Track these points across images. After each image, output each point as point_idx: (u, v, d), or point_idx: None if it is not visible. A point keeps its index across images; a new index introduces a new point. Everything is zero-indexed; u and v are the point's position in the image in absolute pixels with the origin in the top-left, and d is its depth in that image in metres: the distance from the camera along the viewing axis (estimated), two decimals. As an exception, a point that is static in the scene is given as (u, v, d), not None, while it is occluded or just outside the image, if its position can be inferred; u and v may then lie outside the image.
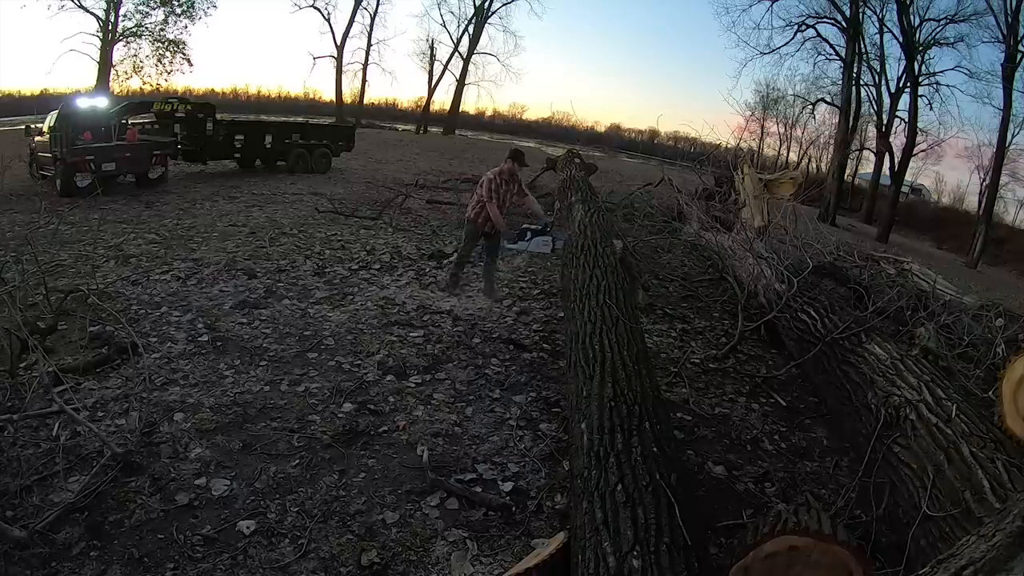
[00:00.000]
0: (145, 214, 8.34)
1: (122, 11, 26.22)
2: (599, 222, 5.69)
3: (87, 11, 25.22)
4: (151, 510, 2.55)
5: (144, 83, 27.52)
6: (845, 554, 1.81)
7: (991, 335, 4.96)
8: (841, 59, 24.59)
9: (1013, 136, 20.89)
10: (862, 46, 23.82)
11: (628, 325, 3.55)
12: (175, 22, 27.79)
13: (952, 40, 21.60)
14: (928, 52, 22.28)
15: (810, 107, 29.57)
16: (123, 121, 10.74)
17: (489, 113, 44.52)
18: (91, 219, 7.66)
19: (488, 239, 5.63)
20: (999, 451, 2.52)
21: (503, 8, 35.27)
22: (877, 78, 24.09)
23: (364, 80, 35.70)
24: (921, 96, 22.60)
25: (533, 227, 5.84)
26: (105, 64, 26.03)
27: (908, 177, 25.59)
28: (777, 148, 36.51)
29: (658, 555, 1.86)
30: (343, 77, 34.41)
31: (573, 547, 2.15)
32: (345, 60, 34.08)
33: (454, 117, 37.06)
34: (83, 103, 10.49)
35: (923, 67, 22.51)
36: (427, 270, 6.41)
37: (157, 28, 27.35)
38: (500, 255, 5.86)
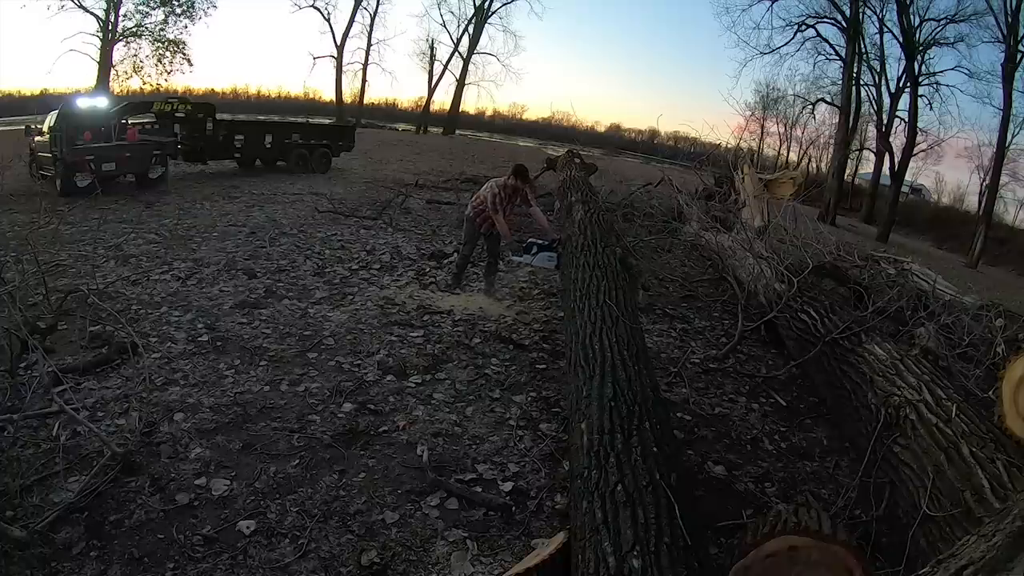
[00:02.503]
0: (145, 214, 8.34)
1: (122, 11, 26.19)
2: (599, 222, 5.69)
3: (87, 11, 25.19)
4: (151, 510, 2.55)
5: (144, 83, 27.51)
6: (845, 554, 1.81)
7: (991, 335, 4.95)
8: (841, 59, 24.60)
9: (1013, 136, 20.91)
10: (862, 46, 23.84)
11: (628, 325, 3.55)
12: (175, 22, 27.74)
13: (952, 40, 21.61)
14: (928, 52, 22.28)
15: (810, 107, 29.63)
16: (123, 121, 10.72)
17: (489, 113, 44.47)
18: (91, 219, 7.65)
19: (489, 240, 5.64)
20: (999, 451, 2.52)
21: (503, 8, 35.30)
22: (877, 78, 24.13)
23: (364, 80, 35.71)
24: (921, 96, 22.62)
25: (540, 242, 5.88)
26: (105, 64, 25.99)
27: (908, 177, 25.60)
28: (777, 148, 36.53)
29: (658, 555, 1.86)
30: (343, 77, 34.41)
31: (573, 547, 2.15)
32: (345, 60, 34.07)
33: (454, 117, 37.04)
34: (83, 103, 10.47)
35: (923, 67, 22.52)
36: (427, 270, 6.41)
37: (157, 28, 27.31)
38: (501, 256, 5.86)
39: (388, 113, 41.31)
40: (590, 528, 2.05)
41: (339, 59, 33.80)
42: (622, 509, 2.05)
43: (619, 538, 1.94)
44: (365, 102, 36.92)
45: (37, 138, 10.07)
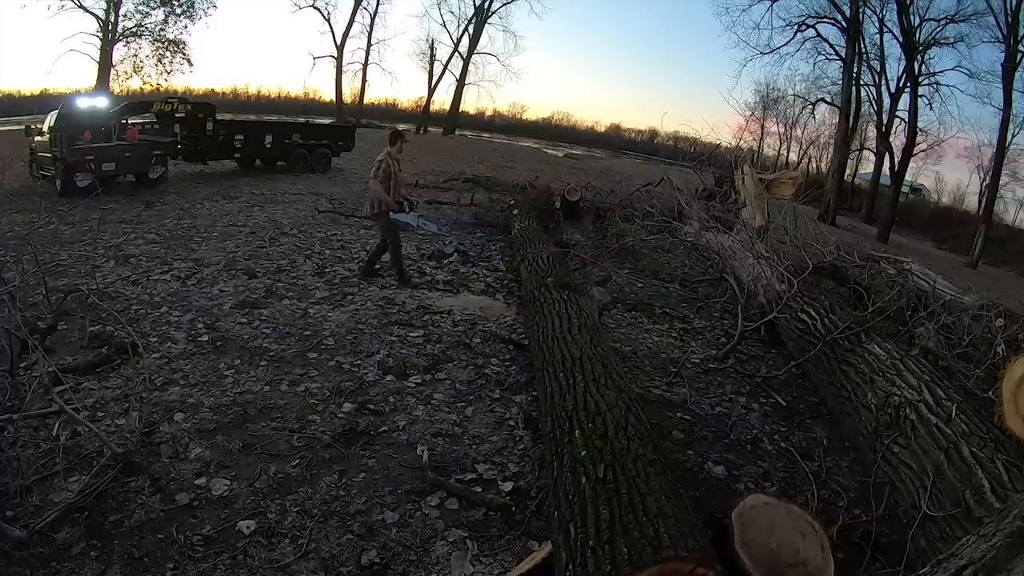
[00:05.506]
0: (145, 214, 8.34)
1: (122, 11, 26.18)
2: (535, 271, 5.50)
3: (87, 11, 25.19)
4: (151, 510, 2.55)
5: (144, 83, 27.52)
6: (802, 513, 2.07)
7: (991, 335, 4.94)
8: (841, 59, 24.55)
9: (1013, 136, 20.87)
10: (862, 46, 23.79)
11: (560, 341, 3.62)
12: (175, 22, 27.75)
13: (952, 40, 21.57)
14: (928, 52, 22.24)
15: (810, 107, 29.58)
16: (123, 121, 10.72)
17: (489, 113, 44.61)
18: (91, 219, 7.65)
19: (379, 221, 5.81)
20: (999, 451, 2.52)
21: (503, 8, 35.36)
22: (877, 78, 24.09)
23: (364, 80, 35.81)
24: (921, 96, 22.57)
25: (409, 199, 6.26)
26: (105, 64, 25.97)
27: (908, 177, 25.58)
28: (777, 148, 36.58)
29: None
30: (343, 77, 34.50)
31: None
32: (345, 60, 34.16)
33: (454, 117, 37.04)
34: (83, 103, 10.48)
35: (923, 67, 22.48)
36: (427, 270, 6.41)
37: (157, 28, 27.32)
38: (394, 240, 5.94)
39: (388, 113, 41.44)
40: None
41: (339, 59, 33.89)
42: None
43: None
44: (365, 102, 37.05)
45: (37, 138, 10.07)
